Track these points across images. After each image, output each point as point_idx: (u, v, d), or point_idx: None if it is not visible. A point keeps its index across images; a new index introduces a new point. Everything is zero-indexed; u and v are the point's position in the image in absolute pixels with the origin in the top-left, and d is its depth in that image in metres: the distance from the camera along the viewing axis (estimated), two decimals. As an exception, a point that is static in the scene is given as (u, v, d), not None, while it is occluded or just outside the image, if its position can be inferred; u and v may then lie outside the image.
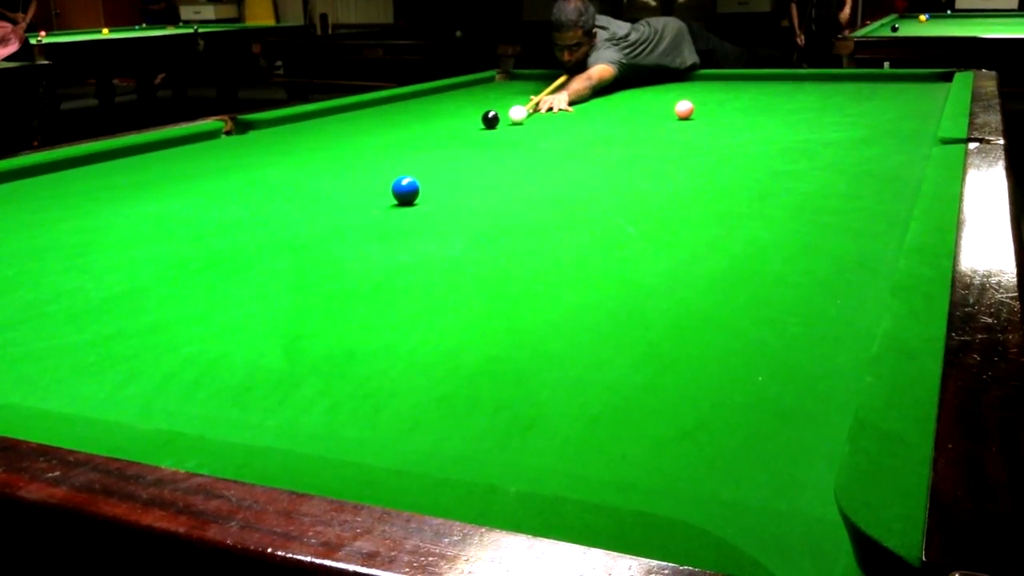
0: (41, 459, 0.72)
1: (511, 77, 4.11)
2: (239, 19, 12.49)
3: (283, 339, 1.07)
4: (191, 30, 8.58)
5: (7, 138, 4.75)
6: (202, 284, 1.32)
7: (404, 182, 1.76)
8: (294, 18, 12.23)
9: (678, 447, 0.79)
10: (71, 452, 0.73)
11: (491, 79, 4.03)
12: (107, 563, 0.67)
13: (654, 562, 0.57)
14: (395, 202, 1.76)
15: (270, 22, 12.05)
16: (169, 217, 1.73)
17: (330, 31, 11.62)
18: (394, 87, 3.62)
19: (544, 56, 4.22)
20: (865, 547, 0.60)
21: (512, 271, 1.34)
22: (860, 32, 5.48)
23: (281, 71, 7.26)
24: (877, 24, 6.21)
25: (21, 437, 0.76)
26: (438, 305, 1.20)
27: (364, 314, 1.17)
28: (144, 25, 10.22)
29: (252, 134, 2.70)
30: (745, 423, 0.84)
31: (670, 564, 0.57)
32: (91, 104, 8.72)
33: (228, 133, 2.68)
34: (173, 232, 1.62)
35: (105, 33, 8.56)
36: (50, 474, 0.69)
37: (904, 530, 0.59)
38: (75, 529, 0.66)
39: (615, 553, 0.58)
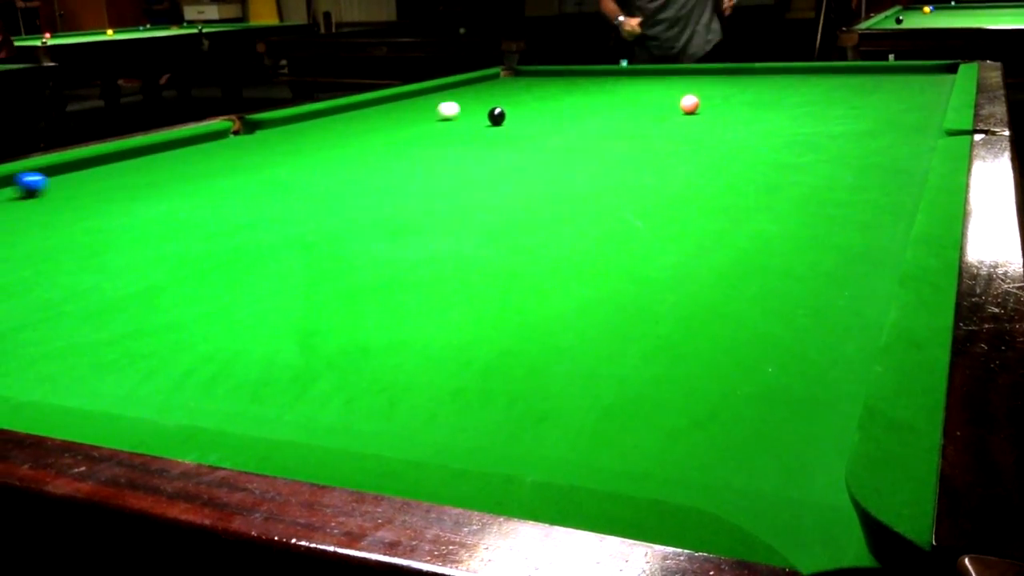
0: (66, 455, 0.73)
1: (516, 73, 4.12)
2: (243, 18, 12.51)
3: (298, 335, 1.09)
4: (195, 30, 8.60)
5: (14, 140, 4.77)
6: (216, 282, 1.33)
7: None
8: (298, 17, 12.24)
9: (690, 437, 0.81)
10: (95, 448, 0.74)
11: (496, 76, 4.04)
12: (134, 555, 0.68)
13: (669, 549, 0.58)
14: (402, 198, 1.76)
15: (274, 21, 12.06)
16: (181, 217, 1.75)
17: (333, 29, 11.63)
18: (399, 85, 3.63)
19: (548, 52, 4.28)
20: (876, 532, 0.61)
21: (521, 266, 1.35)
22: (864, 24, 5.47)
23: (285, 70, 7.28)
24: (881, 16, 6.19)
25: (45, 434, 0.77)
26: (449, 300, 1.21)
27: (377, 310, 1.18)
28: (148, 26, 10.25)
29: (260, 133, 2.71)
30: (755, 413, 0.85)
31: (685, 550, 0.58)
32: (97, 105, 8.76)
33: (236, 133, 2.69)
34: (186, 231, 1.64)
35: (109, 34, 8.58)
36: (76, 469, 0.71)
37: (914, 515, 0.60)
38: (102, 523, 0.68)
39: (631, 540, 0.59)
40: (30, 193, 1.93)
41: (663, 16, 4.40)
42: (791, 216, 1.57)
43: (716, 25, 4.48)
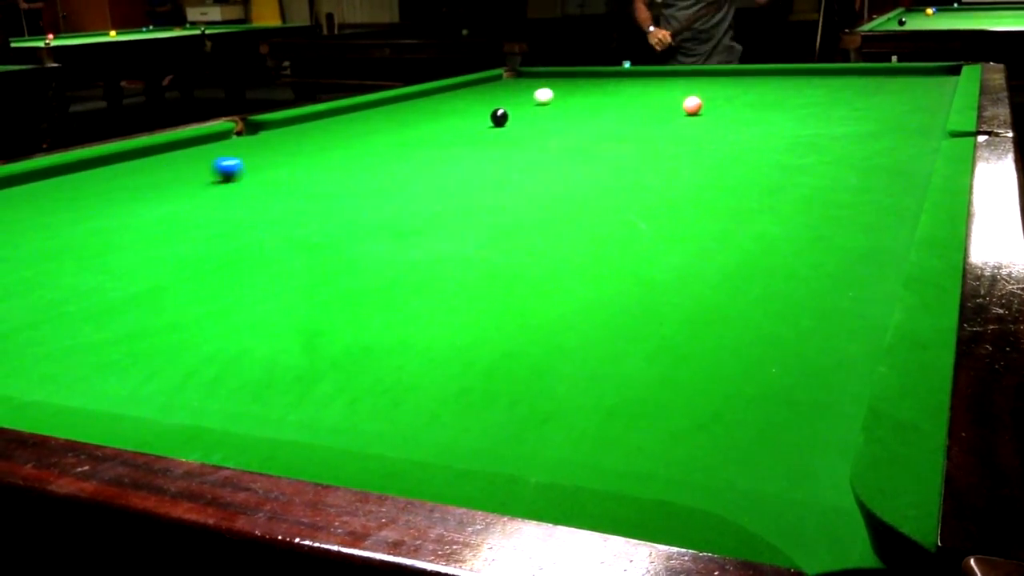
0: (70, 454, 0.73)
1: (518, 75, 4.12)
2: (245, 20, 12.52)
3: (301, 336, 1.09)
4: (198, 31, 8.61)
5: (17, 141, 4.77)
6: (219, 283, 1.33)
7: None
8: (300, 18, 12.25)
9: (694, 439, 0.80)
10: (99, 447, 0.74)
11: (498, 77, 4.04)
12: (137, 555, 0.68)
13: (673, 549, 0.58)
14: (403, 199, 1.78)
15: (276, 22, 12.08)
16: (184, 217, 1.75)
17: (336, 31, 11.63)
18: (401, 86, 3.63)
19: (550, 53, 4.31)
20: (881, 533, 0.61)
21: (524, 267, 1.35)
22: (867, 26, 5.47)
23: (288, 71, 7.29)
24: (884, 18, 6.19)
25: (49, 434, 0.77)
26: (452, 302, 1.21)
27: (380, 311, 1.18)
28: (151, 27, 10.26)
29: (263, 134, 2.71)
30: (759, 415, 0.85)
31: (689, 551, 0.58)
32: (99, 107, 8.77)
33: (239, 134, 2.69)
34: (188, 232, 1.64)
35: (112, 35, 8.59)
36: (79, 469, 0.71)
37: (919, 516, 0.60)
38: (105, 522, 0.68)
39: (635, 540, 0.59)
40: (227, 177, 2.01)
41: (693, 27, 4.54)
42: (795, 217, 1.57)
43: (738, 47, 4.58)
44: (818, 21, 7.27)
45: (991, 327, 0.91)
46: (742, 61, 4.62)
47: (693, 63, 4.50)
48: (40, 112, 5.11)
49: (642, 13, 4.65)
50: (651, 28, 4.55)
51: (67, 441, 0.75)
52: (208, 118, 2.74)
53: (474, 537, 0.60)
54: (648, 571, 0.56)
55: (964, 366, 0.82)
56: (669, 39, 4.48)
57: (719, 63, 4.50)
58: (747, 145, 2.32)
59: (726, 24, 4.58)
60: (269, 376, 0.97)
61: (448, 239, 1.53)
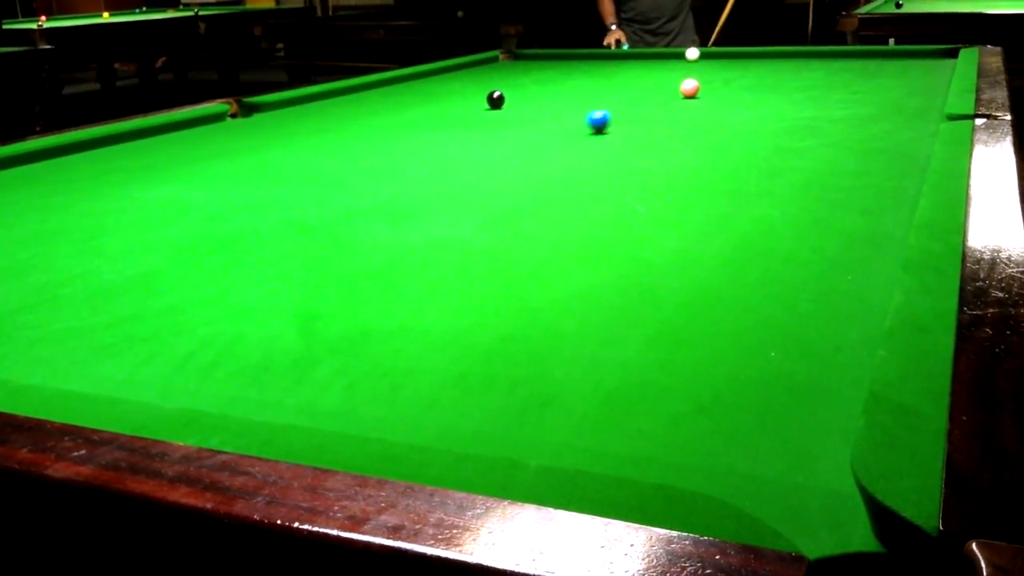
0: (66, 438, 0.73)
1: (515, 57, 4.10)
2: (239, 1, 12.43)
3: (298, 320, 1.08)
4: (192, 12, 8.55)
5: (10, 123, 4.74)
6: (215, 266, 1.32)
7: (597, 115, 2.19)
8: (294, -1, 12.15)
9: (694, 422, 0.80)
10: (96, 431, 0.74)
11: (494, 59, 4.02)
12: (135, 540, 0.68)
13: (674, 533, 0.58)
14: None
15: (270, 4, 11.99)
16: (179, 200, 1.74)
17: (330, 12, 11.56)
18: (396, 68, 3.61)
19: (546, 35, 4.30)
20: (882, 517, 0.60)
21: (523, 251, 1.35)
22: (864, 9, 5.45)
23: (282, 53, 7.24)
24: (881, 1, 6.17)
25: (45, 417, 0.77)
26: (450, 285, 1.20)
27: (378, 295, 1.18)
28: (144, 8, 10.19)
29: (257, 117, 2.70)
30: (759, 398, 0.84)
31: (690, 534, 0.58)
32: (93, 89, 8.71)
33: (233, 116, 2.68)
34: (184, 215, 1.63)
35: (106, 17, 8.52)
36: (76, 453, 0.70)
37: (921, 500, 0.60)
38: (102, 507, 0.67)
39: (635, 524, 0.59)
40: (599, 130, 2.21)
41: (660, 3, 4.53)
42: (793, 201, 1.56)
43: (696, 37, 4.65)
44: (818, 4, 7.24)
45: (991, 310, 0.90)
46: (727, 40, 4.64)
47: (656, 43, 4.47)
48: (33, 94, 5.08)
49: (606, 5, 4.54)
50: (612, 26, 4.49)
51: (63, 425, 0.75)
52: (202, 100, 2.72)
53: (474, 521, 0.60)
54: (649, 555, 0.56)
55: (964, 349, 0.82)
56: (624, 43, 4.43)
57: (687, 42, 4.48)
58: (745, 128, 2.31)
59: (686, 13, 4.58)
60: (267, 360, 0.96)
61: (446, 222, 1.52)
